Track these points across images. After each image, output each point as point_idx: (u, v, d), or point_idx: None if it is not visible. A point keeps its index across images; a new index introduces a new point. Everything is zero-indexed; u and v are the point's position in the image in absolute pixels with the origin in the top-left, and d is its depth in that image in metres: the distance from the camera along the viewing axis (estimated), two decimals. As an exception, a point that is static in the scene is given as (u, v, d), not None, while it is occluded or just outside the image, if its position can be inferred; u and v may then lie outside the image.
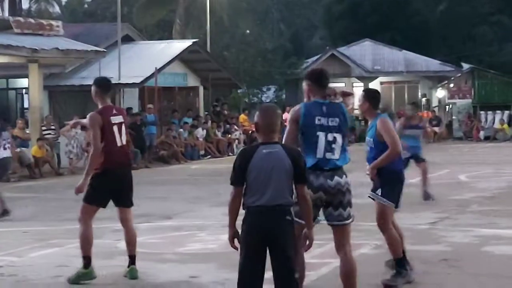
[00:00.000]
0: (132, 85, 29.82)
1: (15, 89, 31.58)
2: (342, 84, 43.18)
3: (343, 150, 7.18)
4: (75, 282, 8.54)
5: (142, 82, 29.89)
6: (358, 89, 41.97)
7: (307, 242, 6.15)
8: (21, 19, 25.56)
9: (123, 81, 29.03)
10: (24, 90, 29.89)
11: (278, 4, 59.83)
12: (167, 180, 21.49)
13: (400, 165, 8.83)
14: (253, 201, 5.99)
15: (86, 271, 8.62)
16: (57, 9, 46.41)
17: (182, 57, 32.86)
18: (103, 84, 9.14)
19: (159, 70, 29.88)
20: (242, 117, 34.29)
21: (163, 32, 43.21)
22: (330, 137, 7.04)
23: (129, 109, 29.40)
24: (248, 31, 46.69)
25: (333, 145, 7.05)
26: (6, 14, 37.12)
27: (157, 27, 44.53)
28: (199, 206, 15.24)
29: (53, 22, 25.98)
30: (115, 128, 8.70)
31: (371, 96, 9.02)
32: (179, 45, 33.81)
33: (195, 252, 10.38)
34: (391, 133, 8.54)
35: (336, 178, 7.03)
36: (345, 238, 7.28)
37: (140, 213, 13.92)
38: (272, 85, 45.73)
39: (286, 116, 34.72)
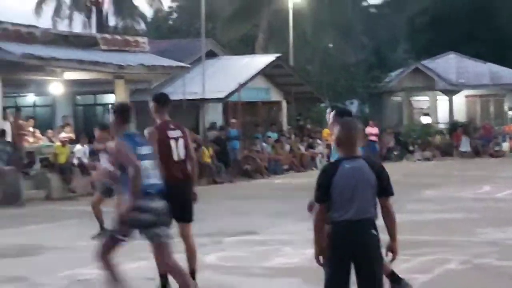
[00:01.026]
0: (216, 100, 30.08)
1: (102, 104, 32.14)
2: (426, 98, 42.80)
3: None
4: None
5: (226, 97, 30.11)
6: (442, 102, 41.56)
7: (391, 256, 6.12)
8: (108, 36, 25.98)
9: (207, 96, 29.30)
10: (110, 106, 30.40)
11: (361, 17, 59.53)
12: (251, 194, 21.54)
13: None
14: (338, 216, 5.98)
15: None
16: (142, 25, 47.08)
17: (265, 72, 33.00)
18: (161, 99, 9.21)
19: (242, 85, 30.06)
20: (325, 131, 34.15)
21: (246, 47, 43.42)
22: None
23: (213, 123, 29.71)
24: (330, 45, 46.60)
25: None
26: (94, 31, 37.84)
27: (240, 42, 44.80)
28: (283, 220, 15.24)
29: (139, 39, 26.36)
30: (172, 143, 8.77)
31: None
32: (262, 60, 33.95)
33: (280, 266, 10.39)
34: None
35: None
36: None
37: (225, 227, 14.05)
38: (355, 98, 45.52)
39: (370, 130, 34.40)
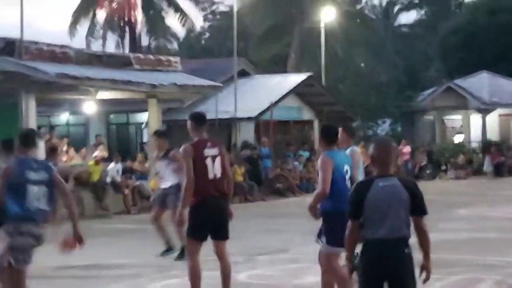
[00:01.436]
0: (248, 119, 30.15)
1: (135, 123, 32.35)
2: (459, 117, 42.55)
3: None
4: None
5: (258, 116, 30.18)
6: (475, 121, 41.28)
7: (425, 274, 6.07)
8: (141, 55, 26.14)
9: (239, 115, 29.39)
10: (143, 125, 30.59)
11: (393, 37, 59.53)
12: (283, 212, 21.51)
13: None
14: (371, 234, 5.97)
15: None
16: (175, 45, 47.41)
17: (297, 91, 33.04)
18: (198, 118, 9.29)
19: (274, 104, 30.09)
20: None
21: (278, 66, 43.53)
22: None
23: (244, 142, 29.74)
24: (362, 64, 46.57)
25: None
26: (127, 50, 38.12)
27: (272, 61, 44.91)
28: (314, 239, 15.17)
29: (172, 58, 26.48)
30: (208, 161, 8.79)
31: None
32: (294, 79, 34.01)
33: (312, 284, 10.35)
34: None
35: None
36: None
37: (257, 246, 14.03)
38: (387, 117, 45.39)
39: (403, 149, 34.14)
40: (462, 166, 35.89)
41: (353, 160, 9.77)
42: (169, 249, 12.64)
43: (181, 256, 12.05)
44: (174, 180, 12.52)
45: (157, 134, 13.70)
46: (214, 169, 8.81)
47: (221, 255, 8.96)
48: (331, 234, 8.21)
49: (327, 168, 8.17)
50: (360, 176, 10.09)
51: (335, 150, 8.44)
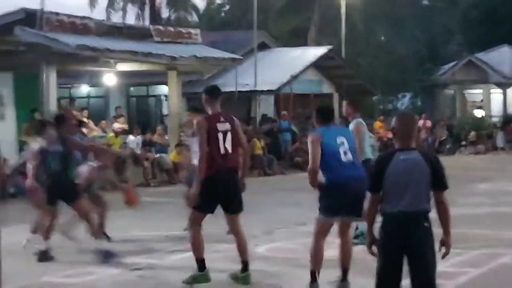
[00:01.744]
0: (268, 92, 30.10)
1: (155, 96, 32.38)
2: (480, 91, 42.31)
3: None
4: (189, 283, 8.74)
5: (278, 89, 30.13)
6: (496, 95, 41.04)
7: (444, 250, 6.07)
8: (161, 27, 26.09)
9: (259, 88, 29.35)
10: (163, 97, 30.62)
11: (414, 10, 59.07)
12: (302, 186, 21.33)
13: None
14: (391, 208, 5.97)
15: (202, 273, 8.81)
16: (195, 17, 47.30)
17: (316, 64, 32.94)
18: (213, 91, 9.29)
19: (294, 77, 30.03)
20: (377, 124, 33.98)
21: (298, 39, 43.37)
22: None
23: (264, 115, 29.72)
24: (383, 38, 46.34)
25: None
26: (147, 23, 38.09)
27: (292, 34, 44.76)
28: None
29: (192, 30, 26.41)
30: (220, 135, 8.77)
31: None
32: (314, 52, 33.91)
33: (330, 258, 10.32)
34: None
35: None
36: None
37: (275, 219, 14.06)
38: (407, 92, 45.20)
39: (422, 123, 34.01)
40: (480, 141, 35.63)
41: (357, 131, 10.24)
42: None
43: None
44: None
45: (192, 109, 13.39)
46: (226, 143, 8.79)
47: (235, 230, 8.98)
48: (324, 204, 8.36)
49: (313, 145, 8.27)
50: (367, 147, 11.02)
51: (329, 126, 8.47)
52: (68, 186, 10.45)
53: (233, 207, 8.93)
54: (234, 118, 9.13)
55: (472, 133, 35.79)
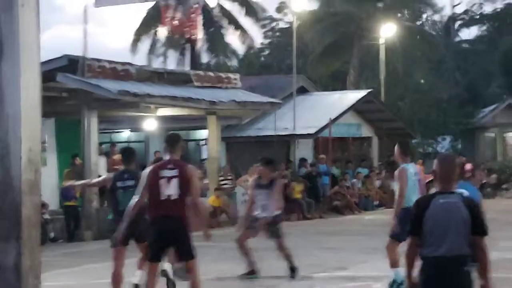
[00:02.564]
0: (306, 136, 30.12)
1: (194, 140, 32.51)
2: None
3: None
4: None
5: (317, 132, 30.12)
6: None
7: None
8: (201, 72, 26.30)
9: (297, 131, 29.37)
10: (202, 141, 30.73)
11: (454, 53, 58.98)
12: (341, 230, 21.42)
13: None
14: (431, 252, 5.93)
15: None
16: (235, 62, 47.61)
17: (356, 107, 32.92)
18: (168, 139, 9.45)
19: (333, 121, 30.02)
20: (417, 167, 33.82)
21: (337, 83, 43.47)
22: None
23: (302, 159, 29.70)
24: (422, 81, 46.24)
25: None
26: (187, 68, 38.41)
27: (331, 78, 44.89)
28: (373, 256, 15.08)
29: (231, 75, 26.59)
30: (163, 181, 8.79)
31: None
32: (353, 96, 33.90)
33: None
34: None
35: None
36: None
37: (315, 263, 13.98)
38: (447, 135, 44.92)
39: (467, 167, 33.68)
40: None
41: (399, 176, 10.29)
42: (251, 273, 12.54)
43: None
44: (274, 209, 12.42)
45: (264, 161, 13.01)
46: (169, 189, 8.76)
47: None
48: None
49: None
50: (412, 194, 10.68)
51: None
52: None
53: (181, 254, 8.98)
54: (186, 165, 9.07)
55: (493, 176, 35.48)
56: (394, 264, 10.50)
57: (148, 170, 9.00)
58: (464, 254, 5.90)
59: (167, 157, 9.09)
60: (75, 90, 20.58)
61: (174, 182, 8.73)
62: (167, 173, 8.79)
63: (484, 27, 63.37)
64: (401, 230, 9.09)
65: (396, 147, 11.46)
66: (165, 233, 8.76)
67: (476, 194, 7.93)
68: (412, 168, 10.97)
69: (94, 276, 13.12)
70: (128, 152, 10.72)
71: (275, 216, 12.42)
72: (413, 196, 10.37)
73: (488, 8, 62.39)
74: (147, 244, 9.02)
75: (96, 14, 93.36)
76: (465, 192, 6.30)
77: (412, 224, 6.04)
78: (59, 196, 21.11)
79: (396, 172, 10.91)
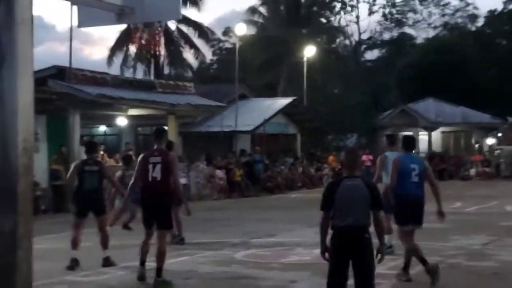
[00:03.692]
0: (246, 132, 30.14)
1: (157, 134, 32.26)
2: (411, 133, 42.58)
3: None
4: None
5: (254, 129, 30.17)
6: (423, 136, 41.31)
7: (380, 256, 6.09)
8: (163, 81, 26.16)
9: (239, 128, 29.38)
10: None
11: (360, 70, 59.67)
12: (272, 206, 21.48)
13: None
14: (339, 223, 5.98)
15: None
16: (190, 73, 47.33)
17: (284, 111, 33.04)
18: (154, 133, 9.22)
19: (266, 121, 30.10)
20: (331, 157, 34.10)
21: (270, 91, 43.57)
22: None
23: (242, 150, 29.72)
24: (336, 90, 46.62)
25: None
26: (152, 77, 38.11)
27: (265, 87, 44.95)
28: (297, 226, 15.20)
29: (187, 84, 26.49)
30: (150, 166, 8.68)
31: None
32: (282, 101, 34.04)
33: (293, 262, 10.35)
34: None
35: None
36: None
37: (252, 231, 14.00)
38: (354, 132, 45.39)
39: (365, 157, 33.90)
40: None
41: (378, 162, 10.64)
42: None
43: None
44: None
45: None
46: (155, 173, 8.66)
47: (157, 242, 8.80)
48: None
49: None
50: (386, 177, 10.27)
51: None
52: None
53: (158, 223, 8.75)
54: (168, 153, 8.99)
55: None
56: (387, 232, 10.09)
57: (140, 157, 8.94)
58: (365, 224, 5.95)
59: (154, 146, 8.98)
60: (62, 93, 20.27)
61: (158, 167, 8.67)
62: (153, 159, 8.73)
63: (384, 50, 64.13)
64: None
65: (384, 139, 11.07)
66: (152, 206, 8.68)
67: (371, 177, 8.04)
68: (393, 155, 10.04)
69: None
70: (90, 143, 10.83)
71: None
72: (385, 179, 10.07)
73: (386, 36, 63.22)
74: (142, 215, 8.94)
75: (80, 32, 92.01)
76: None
77: (325, 201, 6.06)
78: (48, 177, 20.77)
79: (378, 160, 10.64)
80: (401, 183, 8.49)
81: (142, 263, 8.71)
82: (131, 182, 9.02)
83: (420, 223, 8.61)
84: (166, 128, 10.28)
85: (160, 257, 8.53)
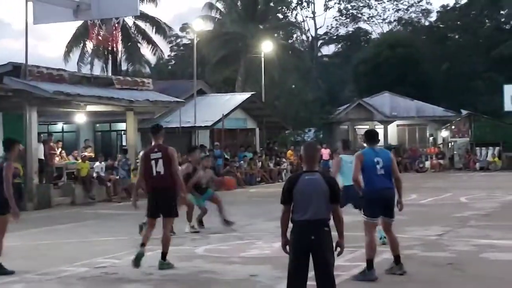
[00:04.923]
0: (205, 127, 30.08)
1: (116, 131, 32.03)
2: (367, 126, 43.01)
3: None
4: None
5: (212, 125, 30.12)
6: (379, 130, 41.72)
7: (339, 249, 6.12)
8: (120, 77, 25.91)
9: (197, 124, 29.30)
10: (122, 132, 30.30)
11: (317, 65, 59.99)
12: (231, 200, 21.42)
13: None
14: (299, 217, 5.99)
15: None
16: (147, 69, 46.99)
17: (242, 106, 33.06)
18: (152, 129, 9.54)
19: (225, 116, 30.08)
20: (289, 152, 34.27)
21: (228, 87, 43.54)
22: None
23: (201, 145, 29.64)
24: (293, 86, 46.82)
25: None
26: (110, 73, 37.74)
27: (223, 83, 44.90)
28: (256, 220, 15.23)
29: (145, 80, 26.30)
30: (153, 162, 9.12)
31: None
32: (240, 97, 34.05)
33: (254, 256, 10.37)
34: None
35: None
36: None
37: (211, 226, 13.98)
38: (312, 127, 45.64)
39: (323, 151, 34.34)
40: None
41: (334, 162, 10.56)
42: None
43: None
44: None
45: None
46: (158, 167, 9.09)
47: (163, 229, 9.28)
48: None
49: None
50: (341, 176, 10.85)
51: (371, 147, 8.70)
52: None
53: (164, 212, 9.20)
54: (167, 148, 9.27)
55: None
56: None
57: (141, 155, 9.38)
58: (324, 218, 5.97)
59: (153, 143, 9.31)
60: (18, 90, 19.93)
61: (160, 162, 9.06)
62: (154, 155, 9.14)
63: (340, 45, 64.66)
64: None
65: (339, 143, 11.71)
66: (159, 199, 9.09)
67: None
68: (347, 158, 10.64)
69: (35, 238, 12.82)
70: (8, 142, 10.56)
71: None
72: (350, 177, 9.89)
73: (342, 31, 63.73)
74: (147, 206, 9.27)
75: (36, 29, 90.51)
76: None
77: (284, 196, 6.06)
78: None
79: (334, 160, 11.23)
80: (367, 178, 8.43)
81: (142, 244, 9.08)
82: (137, 179, 9.45)
83: (392, 215, 8.65)
84: (161, 124, 10.37)
85: (165, 243, 9.13)
